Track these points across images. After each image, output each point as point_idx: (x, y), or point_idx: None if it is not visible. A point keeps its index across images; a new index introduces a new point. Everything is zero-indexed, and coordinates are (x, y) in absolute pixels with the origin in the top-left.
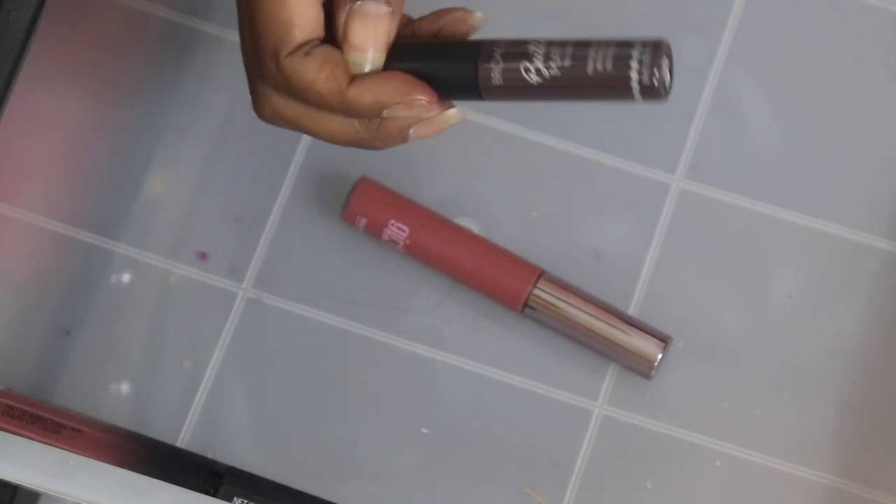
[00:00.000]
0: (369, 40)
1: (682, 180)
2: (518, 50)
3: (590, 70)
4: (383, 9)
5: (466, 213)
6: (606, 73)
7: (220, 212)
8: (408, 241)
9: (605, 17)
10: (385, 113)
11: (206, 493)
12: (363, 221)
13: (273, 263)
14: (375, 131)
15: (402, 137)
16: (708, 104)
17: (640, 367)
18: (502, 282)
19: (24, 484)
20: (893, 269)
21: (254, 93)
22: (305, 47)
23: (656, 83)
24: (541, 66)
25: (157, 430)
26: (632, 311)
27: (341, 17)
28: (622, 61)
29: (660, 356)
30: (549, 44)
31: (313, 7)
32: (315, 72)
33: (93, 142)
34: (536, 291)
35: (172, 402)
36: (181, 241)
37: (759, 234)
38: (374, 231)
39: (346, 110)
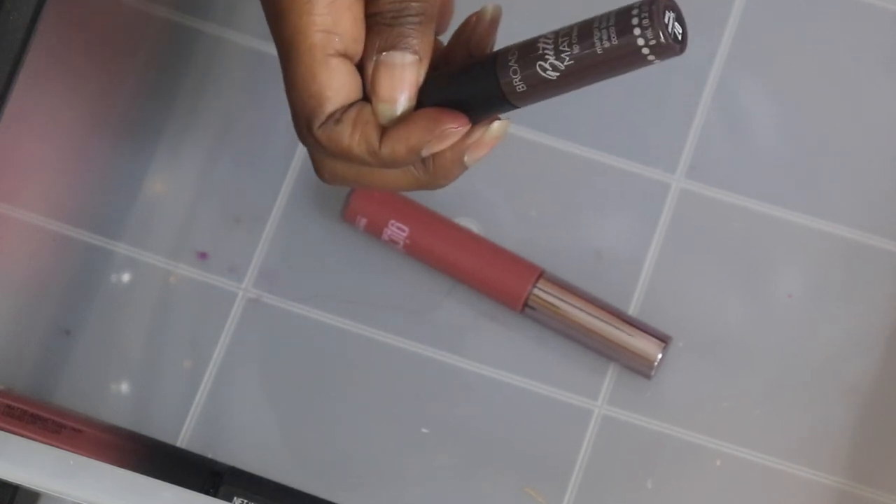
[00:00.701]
0: (397, 90)
1: (683, 180)
2: (530, 52)
3: (599, 49)
4: (409, 58)
5: (466, 213)
6: (615, 46)
7: (220, 212)
8: (408, 241)
9: None
10: (424, 153)
11: (206, 493)
12: (363, 221)
13: (273, 263)
14: (431, 172)
15: (460, 168)
16: (708, 104)
17: (640, 367)
18: (502, 282)
19: (24, 484)
20: (894, 268)
21: (312, 160)
22: (336, 114)
23: (664, 40)
24: (554, 60)
25: (158, 430)
26: (632, 311)
27: (369, 69)
28: (625, 31)
29: (660, 356)
30: (557, 35)
31: (345, 76)
32: (348, 136)
33: (93, 142)
34: (536, 291)
35: (172, 402)
36: (181, 241)
37: (760, 234)
38: (374, 231)
39: (386, 165)
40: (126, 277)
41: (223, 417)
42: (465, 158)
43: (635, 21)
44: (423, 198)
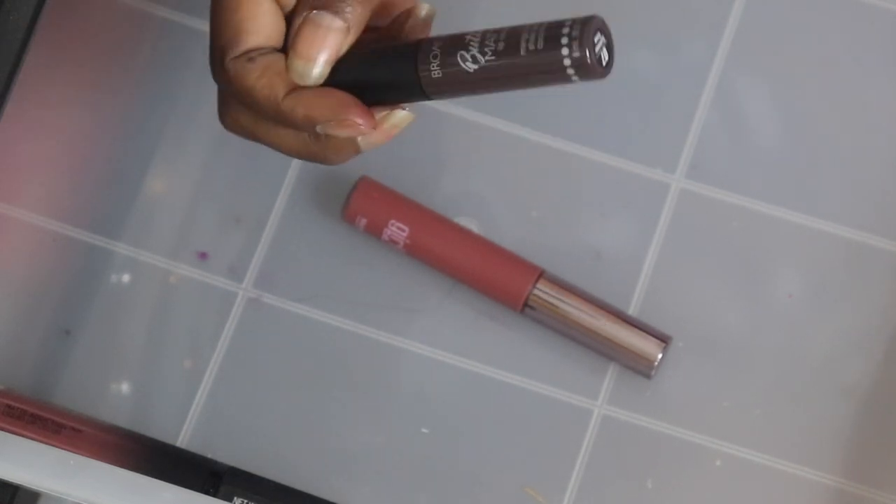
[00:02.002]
0: (315, 50)
1: (683, 180)
2: (455, 42)
3: (522, 51)
4: (337, 23)
5: (466, 213)
6: (538, 52)
7: (220, 212)
8: (408, 241)
9: (605, 17)
10: (319, 129)
11: (206, 493)
12: (363, 221)
13: (273, 263)
14: (325, 145)
15: (353, 149)
16: (708, 104)
17: (640, 367)
18: (502, 282)
19: (24, 484)
20: (894, 269)
21: (219, 102)
22: (252, 53)
23: (588, 60)
24: (476, 52)
25: (158, 430)
26: (632, 311)
27: (295, 24)
28: (552, 39)
29: (660, 356)
30: (486, 32)
31: (270, 16)
32: (255, 78)
33: (93, 142)
34: (536, 291)
35: (172, 402)
36: (181, 241)
37: (760, 234)
38: (374, 231)
39: (282, 121)
40: (126, 277)
41: (223, 417)
42: (360, 141)
43: (565, 32)
44: (423, 198)
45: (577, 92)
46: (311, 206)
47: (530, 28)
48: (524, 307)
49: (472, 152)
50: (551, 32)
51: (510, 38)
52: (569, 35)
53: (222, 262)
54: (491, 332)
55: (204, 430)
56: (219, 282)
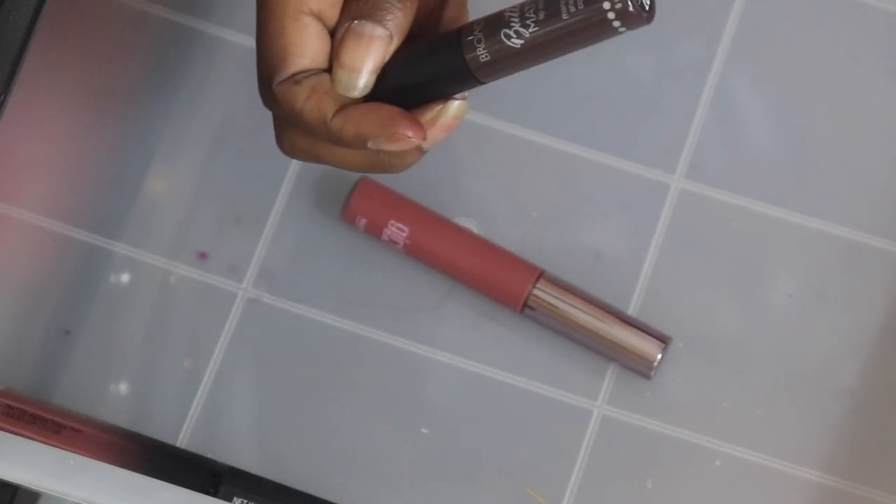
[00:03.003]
0: (358, 60)
1: (682, 180)
2: (495, 21)
3: (564, 14)
4: (380, 31)
5: (466, 213)
6: (580, 12)
7: (220, 212)
8: (408, 241)
9: None
10: (371, 145)
11: (206, 493)
12: (363, 221)
13: (273, 263)
14: (388, 155)
15: (416, 154)
16: (708, 104)
17: (640, 367)
18: (502, 282)
19: (24, 484)
20: (893, 269)
21: (274, 125)
22: (298, 76)
23: (631, 7)
24: (519, 27)
25: (157, 430)
26: (632, 311)
27: (338, 35)
28: None
29: (660, 356)
30: (524, 5)
31: (315, 37)
32: (303, 100)
33: (93, 142)
34: (536, 291)
35: (172, 402)
36: (181, 241)
37: (759, 234)
38: (374, 231)
39: (334, 141)
40: (126, 277)
41: (223, 417)
42: (423, 144)
43: None
44: (423, 198)
45: (577, 92)
46: (311, 206)
47: None
48: (524, 307)
49: (472, 153)
50: None
51: (549, 5)
52: None
53: (222, 262)
54: (491, 332)
55: (204, 430)
56: (219, 282)
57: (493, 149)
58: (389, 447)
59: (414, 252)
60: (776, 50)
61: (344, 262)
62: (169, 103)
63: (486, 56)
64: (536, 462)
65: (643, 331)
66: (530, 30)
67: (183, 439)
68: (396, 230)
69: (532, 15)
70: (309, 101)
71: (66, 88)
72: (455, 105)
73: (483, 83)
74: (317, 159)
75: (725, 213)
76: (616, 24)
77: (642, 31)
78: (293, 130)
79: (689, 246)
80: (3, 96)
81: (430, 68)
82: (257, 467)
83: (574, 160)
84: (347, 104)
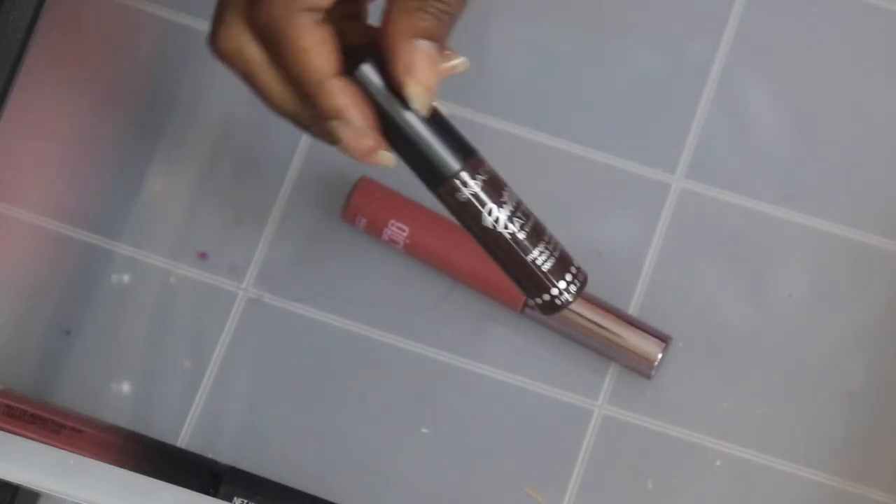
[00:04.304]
0: (433, 80)
1: (683, 180)
2: (496, 189)
3: (529, 257)
4: (456, 62)
5: None
6: (539, 268)
7: (220, 212)
8: (408, 241)
9: (606, 17)
10: (334, 124)
11: (206, 493)
12: (363, 221)
13: (273, 263)
14: (319, 125)
15: (330, 141)
16: (708, 104)
17: (640, 367)
18: (502, 282)
19: (24, 484)
20: (894, 268)
21: (221, 21)
22: (316, 14)
23: (560, 304)
24: (502, 217)
25: (158, 430)
26: (632, 310)
27: (402, 46)
28: (557, 270)
29: (660, 356)
30: (518, 204)
31: None
32: (317, 41)
33: (93, 142)
34: None
35: (173, 402)
36: (181, 241)
37: (760, 234)
38: (374, 231)
39: (305, 90)
40: (126, 277)
41: (223, 417)
42: (342, 147)
43: (569, 276)
44: (423, 198)
45: (577, 91)
46: (311, 206)
47: (548, 241)
48: (524, 307)
49: None
50: (561, 261)
51: (531, 236)
52: (568, 281)
53: (222, 262)
54: (491, 332)
55: (204, 430)
56: (219, 282)
57: (494, 149)
58: (389, 447)
59: (414, 252)
60: (777, 49)
61: (344, 262)
62: (169, 103)
63: (465, 198)
64: (536, 462)
65: (644, 330)
66: (506, 230)
67: (183, 439)
68: (396, 230)
69: (517, 226)
70: (322, 47)
71: (66, 88)
72: (387, 157)
73: (432, 193)
74: (245, 71)
75: (726, 213)
76: (541, 301)
77: (644, 29)
78: (246, 34)
79: (690, 245)
80: (3, 96)
81: (427, 143)
82: (257, 467)
83: (575, 159)
84: (347, 74)
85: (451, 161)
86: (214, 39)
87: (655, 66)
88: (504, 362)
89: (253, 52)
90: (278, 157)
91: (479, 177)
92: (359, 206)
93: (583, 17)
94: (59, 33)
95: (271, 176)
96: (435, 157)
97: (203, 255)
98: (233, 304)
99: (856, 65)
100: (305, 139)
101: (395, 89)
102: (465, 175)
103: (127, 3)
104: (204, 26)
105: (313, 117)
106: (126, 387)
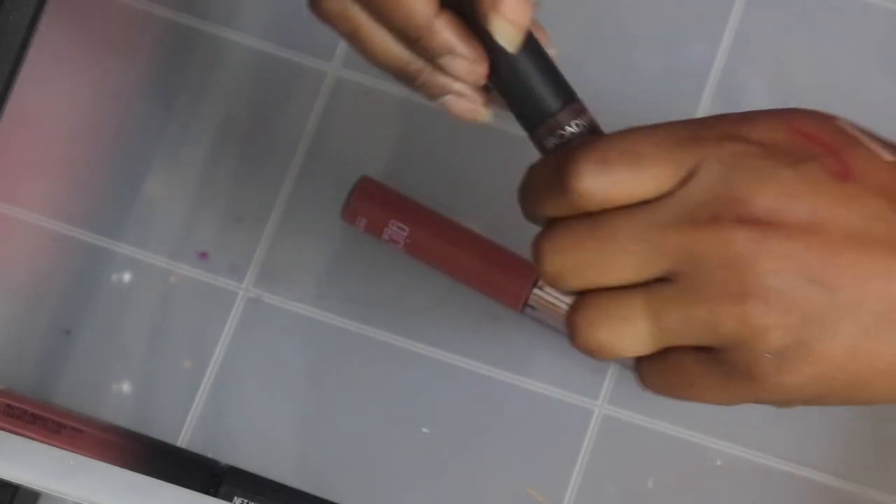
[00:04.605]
0: (523, 18)
1: None
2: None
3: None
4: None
5: (467, 212)
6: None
7: (220, 212)
8: (408, 241)
9: (607, 17)
10: (443, 60)
11: (207, 493)
12: (363, 221)
13: (273, 263)
14: (422, 68)
15: (439, 89)
16: (708, 104)
17: None
18: (502, 282)
19: (24, 484)
20: None
21: None
22: None
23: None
24: (572, 128)
25: (158, 430)
26: None
27: None
28: None
29: None
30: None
31: None
32: None
33: (93, 142)
34: (536, 291)
35: (173, 401)
36: (181, 241)
37: None
38: (374, 231)
39: (411, 34)
40: (126, 277)
41: (223, 417)
42: (445, 99)
43: None
44: (423, 198)
45: (577, 91)
46: (311, 206)
47: None
48: (524, 307)
49: (472, 152)
50: None
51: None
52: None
53: (222, 262)
54: (491, 332)
55: (204, 430)
56: (219, 282)
57: (493, 149)
58: (390, 447)
59: (414, 252)
60: (777, 49)
61: (344, 262)
62: (169, 103)
63: (557, 141)
64: (536, 462)
65: None
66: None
67: (183, 439)
68: (397, 230)
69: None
70: None
71: (66, 88)
72: (486, 112)
73: (527, 135)
74: (349, 30)
75: None
76: None
77: (644, 29)
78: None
79: None
80: (3, 96)
81: (534, 84)
82: (257, 467)
83: None
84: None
85: (551, 101)
86: (316, 4)
87: (656, 65)
88: (504, 362)
89: (354, 10)
90: (278, 157)
91: (579, 123)
92: (359, 206)
93: (584, 16)
94: (60, 33)
95: (272, 175)
96: (536, 95)
97: (203, 255)
98: (233, 304)
99: (856, 65)
100: (305, 139)
101: (482, 24)
102: (564, 116)
103: (128, 2)
104: (204, 26)
105: (421, 65)
106: (126, 386)
